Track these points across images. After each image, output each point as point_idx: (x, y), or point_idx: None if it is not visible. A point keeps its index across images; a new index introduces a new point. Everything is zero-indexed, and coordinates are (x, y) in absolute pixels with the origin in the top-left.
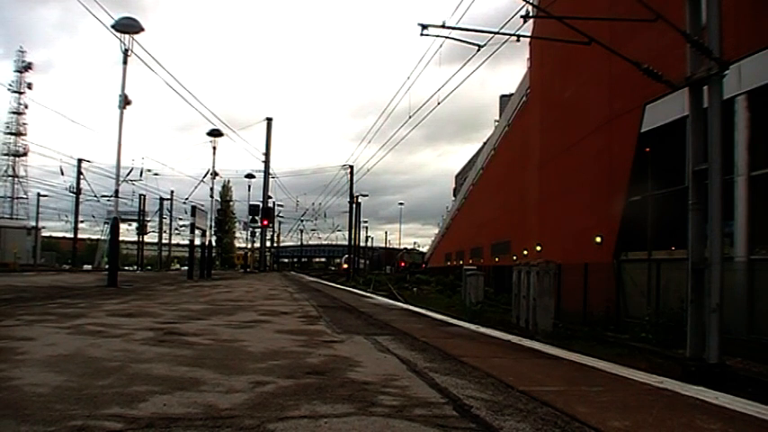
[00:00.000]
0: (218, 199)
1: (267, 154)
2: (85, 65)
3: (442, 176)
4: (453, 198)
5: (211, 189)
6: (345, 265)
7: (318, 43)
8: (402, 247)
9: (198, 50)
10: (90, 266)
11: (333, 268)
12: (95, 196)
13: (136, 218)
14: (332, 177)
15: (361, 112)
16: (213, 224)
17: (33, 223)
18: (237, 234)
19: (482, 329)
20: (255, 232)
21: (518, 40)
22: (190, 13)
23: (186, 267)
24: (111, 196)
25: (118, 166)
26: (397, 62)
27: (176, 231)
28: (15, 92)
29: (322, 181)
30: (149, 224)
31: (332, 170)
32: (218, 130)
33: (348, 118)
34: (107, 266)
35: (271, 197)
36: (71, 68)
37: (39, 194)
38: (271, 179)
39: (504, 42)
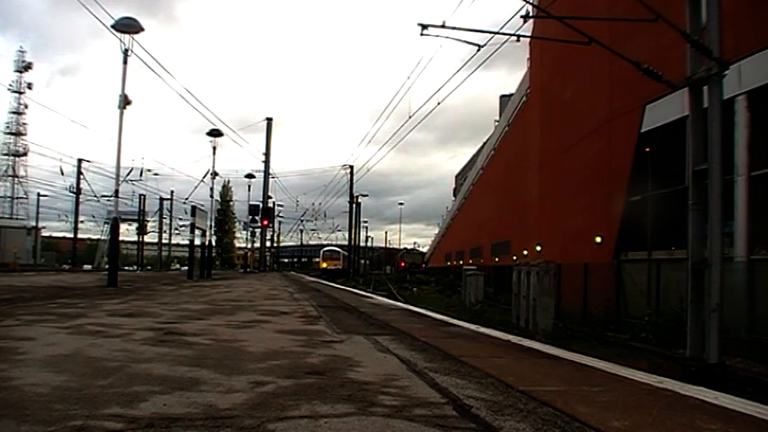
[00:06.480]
0: (219, 199)
1: (267, 154)
2: (109, 68)
3: (448, 178)
4: (453, 198)
5: (211, 189)
6: (325, 264)
7: (339, 46)
8: (402, 247)
9: (219, 57)
10: (90, 266)
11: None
12: (95, 196)
13: (136, 218)
14: (334, 177)
15: (378, 115)
16: (213, 224)
17: (33, 223)
18: (237, 234)
19: (482, 329)
20: (255, 232)
21: (518, 40)
22: (211, 18)
23: (186, 267)
24: (112, 196)
25: (118, 167)
26: (412, 65)
27: (176, 231)
28: (15, 92)
29: (328, 181)
30: (149, 224)
31: (336, 171)
32: (217, 130)
33: (365, 121)
34: (107, 266)
35: (271, 197)
36: (98, 71)
37: (39, 194)
38: (271, 179)
39: (504, 42)
